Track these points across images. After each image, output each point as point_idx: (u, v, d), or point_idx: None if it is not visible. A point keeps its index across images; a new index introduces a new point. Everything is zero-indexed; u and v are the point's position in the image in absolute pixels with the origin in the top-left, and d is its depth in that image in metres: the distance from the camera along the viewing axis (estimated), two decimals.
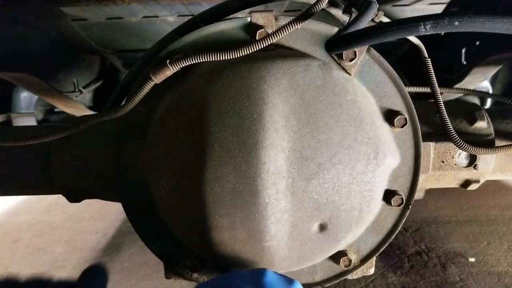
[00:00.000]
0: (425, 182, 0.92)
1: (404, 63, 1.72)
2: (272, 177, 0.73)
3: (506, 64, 1.69)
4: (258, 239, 0.77)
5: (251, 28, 0.79)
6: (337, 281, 0.91)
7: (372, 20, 0.77)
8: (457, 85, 1.52)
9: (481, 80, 1.56)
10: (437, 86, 0.82)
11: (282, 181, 0.74)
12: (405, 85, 0.84)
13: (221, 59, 0.73)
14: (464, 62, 1.46)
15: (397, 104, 0.82)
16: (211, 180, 0.74)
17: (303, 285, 0.91)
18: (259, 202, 0.74)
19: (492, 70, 1.48)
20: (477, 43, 1.39)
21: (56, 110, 2.07)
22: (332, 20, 0.86)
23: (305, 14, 0.73)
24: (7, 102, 2.07)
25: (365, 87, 0.81)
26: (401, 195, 0.82)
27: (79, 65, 1.64)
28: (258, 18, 0.78)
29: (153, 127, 0.81)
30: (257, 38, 0.77)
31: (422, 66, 0.82)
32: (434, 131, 0.89)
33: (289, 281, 0.59)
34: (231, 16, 0.87)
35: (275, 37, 0.72)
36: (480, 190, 0.94)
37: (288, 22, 0.73)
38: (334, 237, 0.79)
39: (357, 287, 1.77)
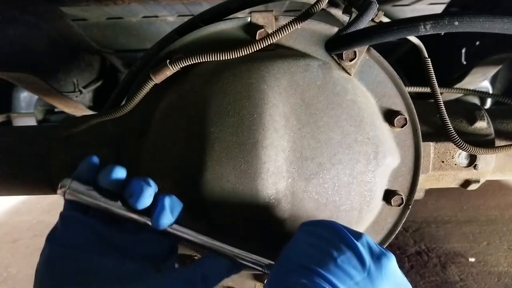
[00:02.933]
0: (425, 182, 0.92)
1: (404, 63, 1.72)
2: (272, 177, 0.73)
3: (506, 64, 1.69)
4: (258, 239, 0.77)
5: (251, 28, 0.79)
6: None
7: (372, 20, 0.77)
8: (457, 85, 1.52)
9: (481, 80, 1.56)
10: (437, 86, 0.82)
11: (282, 181, 0.74)
12: (405, 85, 0.84)
13: (221, 59, 0.73)
14: (464, 62, 1.46)
15: (397, 104, 0.82)
16: (211, 180, 0.74)
17: None
18: (259, 202, 0.74)
19: (492, 70, 1.48)
20: (477, 43, 1.39)
21: (56, 110, 2.07)
22: (332, 20, 0.86)
23: (305, 14, 0.73)
24: (7, 102, 2.07)
25: (365, 87, 0.81)
26: (401, 195, 0.82)
27: (79, 65, 1.64)
28: (258, 18, 0.78)
29: (153, 127, 0.81)
30: (257, 38, 0.77)
31: (422, 66, 0.82)
32: (434, 131, 0.89)
33: (383, 251, 0.61)
34: (231, 16, 0.87)
35: (275, 37, 0.72)
36: (480, 190, 0.94)
37: (288, 22, 0.73)
38: None
39: None
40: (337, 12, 0.85)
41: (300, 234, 0.63)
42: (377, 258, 0.57)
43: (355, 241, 0.58)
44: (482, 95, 1.16)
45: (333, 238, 0.59)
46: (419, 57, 0.83)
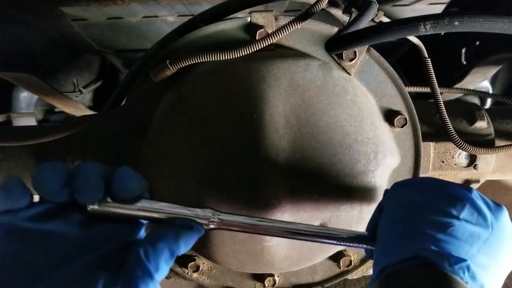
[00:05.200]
0: None
1: (404, 63, 1.71)
2: (272, 177, 0.73)
3: (506, 64, 1.69)
4: (258, 239, 0.77)
5: (251, 28, 0.79)
6: (337, 281, 0.91)
7: (372, 20, 0.77)
8: (457, 85, 1.51)
9: (481, 80, 1.56)
10: (437, 86, 0.82)
11: (282, 181, 0.74)
12: (405, 85, 0.84)
13: (221, 59, 0.73)
14: (464, 62, 1.46)
15: (397, 104, 0.82)
16: (211, 181, 0.74)
17: (303, 285, 0.91)
18: (259, 202, 0.74)
19: (492, 70, 1.48)
20: (477, 43, 1.39)
21: (56, 110, 2.07)
22: (332, 20, 0.86)
23: (305, 14, 0.73)
24: (7, 102, 2.07)
25: (365, 87, 0.81)
26: None
27: (79, 65, 1.64)
28: (258, 18, 0.78)
29: (153, 127, 0.81)
30: (257, 38, 0.77)
31: (422, 66, 0.82)
32: (434, 131, 0.89)
33: (496, 203, 0.53)
34: (231, 16, 0.87)
35: (275, 37, 0.72)
36: (480, 190, 0.93)
37: (288, 22, 0.73)
38: None
39: (357, 287, 1.76)
40: (337, 12, 0.86)
41: (398, 197, 0.56)
42: (495, 210, 0.52)
43: (469, 194, 0.51)
44: (482, 95, 1.16)
45: (443, 195, 0.52)
46: (419, 57, 0.83)
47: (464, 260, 0.46)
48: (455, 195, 0.52)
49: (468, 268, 0.46)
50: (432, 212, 0.50)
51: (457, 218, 0.49)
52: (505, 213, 0.52)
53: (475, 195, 0.52)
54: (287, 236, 0.58)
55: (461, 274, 0.45)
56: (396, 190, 0.59)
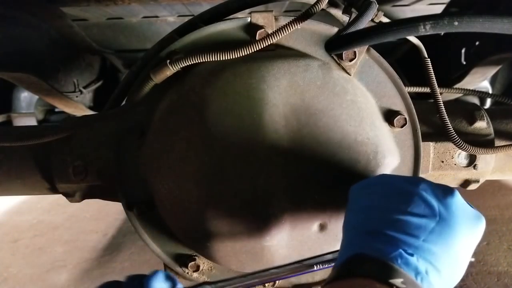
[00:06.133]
0: None
1: (404, 63, 1.71)
2: (272, 177, 0.73)
3: (506, 64, 1.69)
4: (258, 239, 0.77)
5: (251, 28, 0.79)
6: None
7: (372, 20, 0.77)
8: (457, 85, 1.51)
9: (480, 80, 1.56)
10: (436, 86, 0.82)
11: (282, 181, 0.74)
12: (405, 85, 0.84)
13: (221, 59, 0.73)
14: (464, 62, 1.46)
15: (397, 104, 0.82)
16: (211, 181, 0.74)
17: (303, 285, 0.91)
18: (259, 202, 0.74)
19: (492, 70, 1.48)
20: (477, 43, 1.39)
21: (56, 110, 2.07)
22: (332, 20, 0.86)
23: (305, 14, 0.73)
24: (7, 102, 2.06)
25: (365, 87, 0.81)
26: None
27: (79, 65, 1.64)
28: (258, 18, 0.79)
29: (153, 127, 0.82)
30: (257, 38, 0.77)
31: (422, 66, 0.82)
32: (434, 131, 0.89)
33: (446, 190, 0.55)
34: (231, 16, 0.87)
35: (275, 37, 0.73)
36: (480, 190, 0.93)
37: (288, 22, 0.73)
38: (334, 237, 0.79)
39: None
40: (337, 12, 0.86)
41: (353, 201, 0.60)
42: (443, 197, 0.54)
43: (416, 188, 0.54)
44: (482, 95, 1.16)
45: (391, 193, 0.56)
46: (419, 57, 0.83)
47: (395, 250, 0.50)
48: (402, 191, 0.55)
49: (401, 256, 0.49)
50: (380, 211, 0.54)
51: (403, 213, 0.52)
52: (455, 199, 0.54)
53: (423, 188, 0.54)
54: (275, 280, 0.69)
55: (395, 263, 0.49)
56: (351, 195, 0.63)
